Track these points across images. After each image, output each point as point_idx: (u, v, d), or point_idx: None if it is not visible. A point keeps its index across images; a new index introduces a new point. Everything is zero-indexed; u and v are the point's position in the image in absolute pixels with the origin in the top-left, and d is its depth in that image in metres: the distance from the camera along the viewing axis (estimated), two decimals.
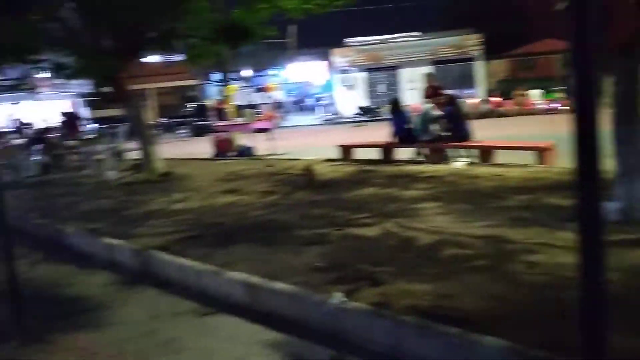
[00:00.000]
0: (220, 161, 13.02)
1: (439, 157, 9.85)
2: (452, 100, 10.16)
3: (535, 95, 25.38)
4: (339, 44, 32.18)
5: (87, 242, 5.83)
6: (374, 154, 10.60)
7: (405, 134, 10.25)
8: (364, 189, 7.53)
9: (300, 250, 4.82)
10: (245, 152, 14.18)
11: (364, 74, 31.75)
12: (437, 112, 9.95)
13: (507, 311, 3.25)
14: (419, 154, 10.47)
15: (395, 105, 10.59)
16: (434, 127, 9.87)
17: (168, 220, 6.66)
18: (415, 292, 3.62)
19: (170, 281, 4.62)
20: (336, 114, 31.41)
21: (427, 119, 9.88)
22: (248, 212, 6.74)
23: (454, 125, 9.80)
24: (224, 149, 14.67)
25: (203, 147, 16.21)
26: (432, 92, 11.14)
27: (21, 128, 18.89)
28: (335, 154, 11.19)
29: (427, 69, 26.16)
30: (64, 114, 16.18)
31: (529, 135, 13.56)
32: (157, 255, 4.83)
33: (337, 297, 3.45)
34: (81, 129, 16.32)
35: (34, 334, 3.81)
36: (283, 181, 8.90)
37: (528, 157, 8.77)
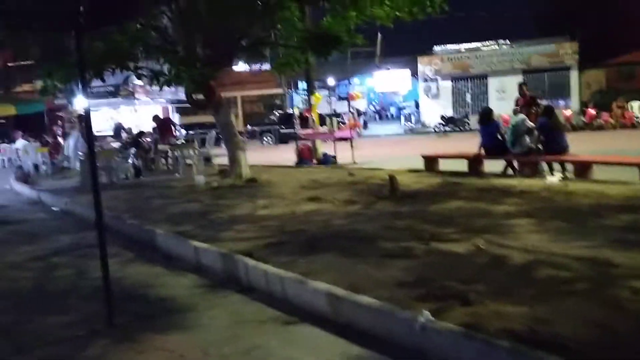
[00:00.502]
0: (302, 169, 13.13)
1: (532, 171, 9.37)
2: (547, 111, 9.64)
3: (635, 108, 23.68)
4: (425, 52, 31.68)
5: (176, 244, 6.00)
6: (460, 165, 10.25)
7: (494, 145, 9.83)
8: (450, 202, 7.28)
9: (383, 262, 4.70)
10: (327, 161, 14.22)
11: (450, 83, 31.04)
12: (531, 124, 9.47)
13: (611, 340, 2.98)
14: (509, 167, 10.00)
15: (486, 115, 10.18)
16: (527, 139, 9.39)
17: (253, 225, 6.74)
18: (508, 314, 3.39)
19: (254, 287, 4.64)
20: (419, 123, 30.91)
21: (519, 130, 9.42)
22: (330, 220, 6.69)
23: (549, 137, 9.29)
24: (306, 156, 14.80)
25: (286, 154, 16.44)
26: (525, 102, 10.64)
27: (119, 132, 19.99)
28: (418, 164, 10.95)
29: (518, 78, 25.17)
30: (157, 119, 16.96)
31: (629, 150, 12.64)
32: (241, 260, 4.87)
33: (424, 315, 3.29)
34: (174, 134, 17.04)
35: (124, 332, 3.94)
36: (365, 191, 8.81)
37: (630, 174, 8.15)
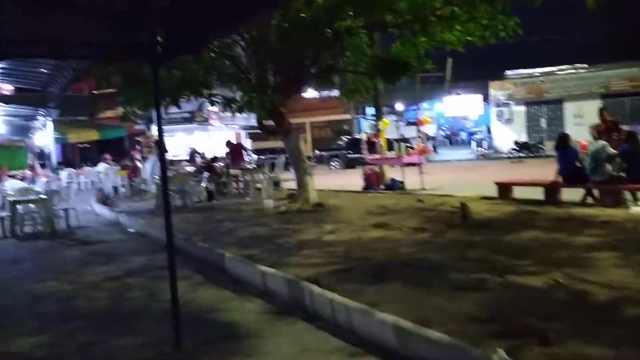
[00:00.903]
0: (369, 194, 13.02)
1: (614, 200, 8.81)
2: (630, 137, 9.07)
3: None
4: (497, 76, 30.93)
5: (243, 268, 6.04)
6: (536, 193, 9.79)
7: (573, 173, 9.34)
8: (526, 232, 6.95)
9: (454, 295, 4.51)
10: (396, 186, 14.04)
11: (523, 108, 30.08)
12: (612, 150, 8.94)
13: None
14: (589, 195, 9.46)
15: (563, 141, 9.70)
16: (608, 167, 8.86)
17: (319, 251, 6.71)
18: (592, 356, 3.14)
19: (320, 315, 4.56)
20: (491, 149, 30.07)
21: (600, 157, 8.91)
22: (398, 248, 6.55)
23: (632, 164, 8.71)
24: (374, 182, 14.69)
25: (353, 179, 16.40)
26: (606, 128, 10.06)
27: (193, 156, 20.71)
28: (491, 191, 10.56)
29: (595, 103, 24.03)
30: (230, 144, 17.45)
31: None
32: (307, 287, 4.82)
33: (499, 354, 3.09)
34: (245, 158, 17.44)
35: (191, 356, 3.97)
36: (435, 218, 8.59)
37: None
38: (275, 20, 9.40)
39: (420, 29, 9.31)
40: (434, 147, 32.36)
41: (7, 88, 23.41)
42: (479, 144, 30.61)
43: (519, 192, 10.28)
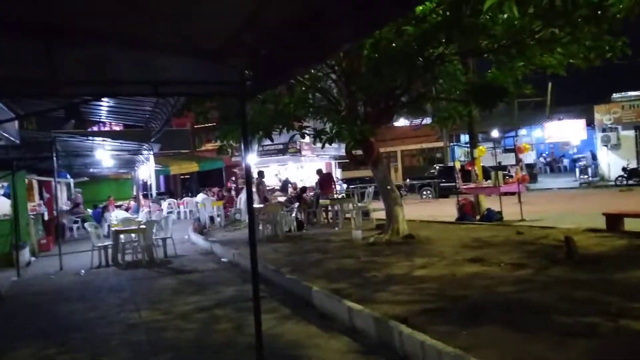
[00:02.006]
0: (464, 225, 12.46)
1: None
2: None
3: None
4: (603, 99, 29.00)
5: (330, 303, 5.89)
6: None
7: None
8: None
9: (561, 341, 4.07)
10: (492, 217, 13.35)
11: (632, 132, 27.90)
12: None
13: None
14: None
15: None
16: None
17: (409, 287, 6.42)
18: None
19: (409, 357, 4.29)
20: (597, 176, 28.06)
21: None
22: (496, 286, 6.11)
23: None
24: (468, 212, 14.07)
25: (446, 209, 15.84)
26: None
27: (286, 186, 21.04)
28: (599, 223, 9.71)
29: None
30: (320, 173, 17.57)
31: None
32: (396, 326, 4.57)
33: None
34: (334, 189, 17.45)
35: None
36: (536, 252, 8.00)
37: None
38: (365, 51, 9.38)
39: (517, 53, 8.89)
40: (534, 175, 30.71)
41: (116, 125, 25.32)
42: (583, 171, 28.68)
43: (630, 224, 9.38)
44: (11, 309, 7.36)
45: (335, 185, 17.48)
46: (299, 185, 20.59)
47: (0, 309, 7.65)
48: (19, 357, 5.22)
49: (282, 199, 17.76)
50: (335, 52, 7.21)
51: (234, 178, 25.02)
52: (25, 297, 8.34)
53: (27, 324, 6.61)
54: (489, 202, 14.47)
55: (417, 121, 30.28)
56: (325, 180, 17.04)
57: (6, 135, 8.09)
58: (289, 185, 21.37)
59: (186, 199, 24.82)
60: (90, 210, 19.14)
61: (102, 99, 10.81)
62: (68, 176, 21.31)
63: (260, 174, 17.13)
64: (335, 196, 16.70)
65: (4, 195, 12.86)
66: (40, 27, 3.81)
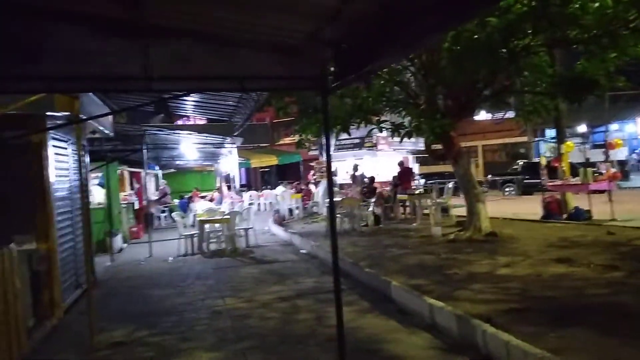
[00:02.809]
0: (549, 224, 11.93)
1: None
2: None
3: None
4: None
5: (410, 299, 5.86)
6: None
7: None
8: None
9: None
10: (580, 216, 12.68)
11: None
12: None
13: None
14: None
15: None
16: None
17: (492, 285, 6.26)
18: None
19: (492, 357, 4.20)
20: None
21: None
22: (584, 288, 5.83)
23: None
24: (554, 210, 13.43)
25: (531, 207, 15.23)
26: None
27: (362, 181, 20.99)
28: None
29: None
30: (402, 165, 17.41)
31: None
32: (479, 325, 4.48)
33: None
34: (413, 183, 17.24)
35: None
36: (629, 254, 7.55)
37: None
38: (446, 44, 9.18)
39: (609, 43, 8.39)
40: (627, 172, 28.85)
41: (200, 119, 26.30)
42: None
43: None
44: (106, 293, 7.87)
45: (414, 179, 17.23)
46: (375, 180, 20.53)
47: (96, 291, 8.21)
48: (115, 337, 5.58)
49: (358, 193, 17.80)
50: (418, 47, 7.12)
51: (312, 172, 25.32)
52: (118, 282, 8.90)
53: (120, 307, 7.06)
54: (576, 201, 13.76)
55: (499, 115, 29.27)
56: (405, 173, 16.84)
57: (101, 128, 8.62)
58: (365, 179, 21.33)
59: (266, 191, 25.43)
60: (177, 201, 20.08)
61: (189, 95, 11.31)
62: (156, 168, 22.44)
63: (355, 167, 17.19)
64: (413, 191, 16.49)
65: (99, 185, 13.75)
66: (135, 27, 4.05)
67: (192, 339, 5.36)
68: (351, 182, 17.21)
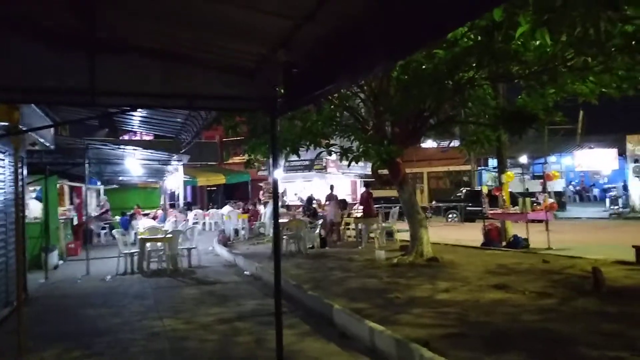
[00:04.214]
0: (489, 251, 12.30)
1: None
2: None
3: None
4: (635, 129, 28.47)
5: (351, 322, 5.88)
6: None
7: None
8: None
9: None
10: (518, 244, 13.15)
11: None
12: None
13: None
14: None
15: None
16: None
17: (431, 310, 6.38)
18: None
19: None
20: (627, 207, 27.42)
21: None
22: (520, 314, 6.03)
23: None
24: (494, 237, 13.88)
25: (472, 233, 15.67)
26: None
27: (308, 204, 21.01)
28: (628, 255, 9.50)
29: None
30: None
31: None
32: (417, 349, 4.54)
33: None
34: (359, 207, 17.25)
35: None
36: (563, 282, 7.86)
37: None
38: (395, 72, 9.43)
39: (548, 79, 8.83)
40: (563, 203, 30.19)
41: (147, 135, 25.80)
42: (614, 202, 28.09)
43: None
44: (38, 311, 7.52)
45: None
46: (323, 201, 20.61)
47: (27, 309, 7.82)
48: (45, 358, 5.32)
49: (304, 215, 17.81)
50: (367, 74, 7.28)
51: (262, 192, 25.17)
52: (52, 300, 8.52)
53: (52, 326, 6.75)
54: (515, 229, 14.27)
55: (444, 143, 30.17)
56: (366, 199, 16.47)
57: (42, 140, 8.33)
58: (314, 201, 21.36)
59: (212, 210, 25.05)
60: (118, 217, 19.48)
61: (136, 110, 11.08)
62: (98, 183, 21.75)
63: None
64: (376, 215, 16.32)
65: (36, 198, 13.19)
66: (83, 40, 3.98)
67: None
68: (327, 201, 16.85)
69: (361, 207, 15.62)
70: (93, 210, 19.66)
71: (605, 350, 4.56)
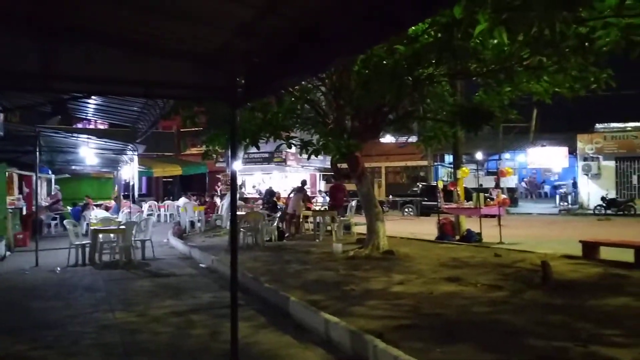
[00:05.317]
0: (443, 244, 12.56)
1: None
2: None
3: None
4: (586, 128, 29.57)
5: (307, 314, 5.91)
6: (625, 255, 9.04)
7: None
8: (614, 298, 6.38)
9: None
10: (471, 238, 13.48)
11: (613, 163, 28.44)
12: None
13: None
14: None
15: None
16: None
17: (386, 302, 6.47)
18: None
19: None
20: (576, 204, 28.49)
21: None
22: (471, 306, 6.18)
23: None
24: (448, 231, 14.19)
25: (427, 227, 15.97)
26: None
27: (269, 196, 20.89)
28: (575, 249, 9.88)
29: None
30: (333, 186, 16.75)
31: None
32: (371, 341, 4.60)
33: None
34: (315, 200, 17.31)
35: None
36: (512, 275, 8.10)
37: None
38: (356, 67, 9.47)
39: (505, 78, 9.04)
40: (515, 199, 31.11)
41: (102, 123, 25.11)
42: (563, 199, 29.14)
43: (606, 253, 9.56)
44: None
45: (321, 197, 17.35)
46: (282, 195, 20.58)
47: None
48: None
49: (263, 208, 17.75)
50: (329, 66, 7.28)
51: (220, 184, 24.90)
52: None
53: None
54: (469, 223, 14.62)
55: (402, 139, 30.54)
56: (337, 190, 15.99)
57: None
58: (273, 194, 21.29)
59: (167, 202, 24.64)
60: (69, 208, 18.93)
61: (91, 97, 10.79)
62: (49, 172, 21.07)
63: (304, 182, 16.76)
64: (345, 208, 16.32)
65: None
66: (36, 23, 3.82)
67: (76, 354, 5.05)
68: (291, 193, 16.47)
69: (326, 200, 15.63)
70: (43, 200, 19.03)
71: (551, 341, 4.73)
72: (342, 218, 14.85)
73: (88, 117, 19.01)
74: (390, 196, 29.72)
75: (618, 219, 21.99)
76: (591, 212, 25.36)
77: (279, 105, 11.00)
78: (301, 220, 15.65)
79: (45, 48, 3.84)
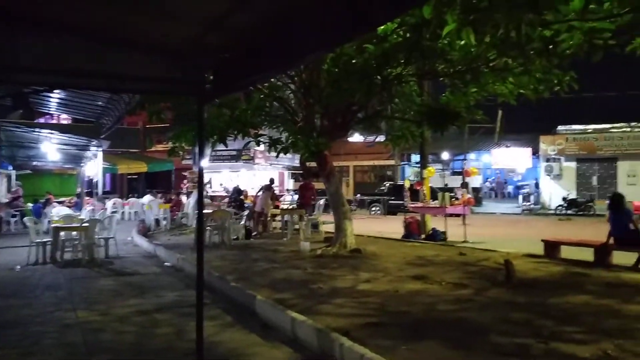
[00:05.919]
0: (409, 243, 12.69)
1: None
2: None
3: None
4: (549, 130, 30.31)
5: (273, 313, 5.88)
6: (585, 254, 9.30)
7: (626, 235, 8.84)
8: (574, 296, 6.55)
9: None
10: (437, 237, 13.66)
11: (574, 164, 29.24)
12: None
13: None
14: None
15: (617, 202, 9.22)
16: None
17: (353, 300, 6.49)
18: None
19: None
20: (538, 204, 29.18)
21: None
22: (436, 304, 6.26)
23: None
24: (414, 230, 14.34)
25: (394, 226, 16.10)
26: None
27: (237, 194, 20.73)
28: (537, 248, 10.13)
29: None
30: (303, 185, 16.69)
31: None
32: (338, 339, 4.61)
33: None
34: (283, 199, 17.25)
35: None
36: (477, 274, 8.24)
37: None
38: (326, 65, 9.47)
39: (471, 79, 9.18)
40: (480, 198, 31.68)
41: (65, 118, 24.49)
42: (526, 199, 29.80)
43: (567, 252, 9.83)
44: None
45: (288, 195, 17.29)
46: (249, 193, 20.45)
47: None
48: None
49: (230, 206, 17.60)
50: (298, 63, 7.27)
51: (186, 181, 24.53)
52: None
53: None
54: (434, 222, 14.81)
55: (371, 138, 30.73)
56: (306, 189, 16.06)
57: None
58: (240, 193, 21.13)
59: (132, 199, 24.19)
60: (30, 205, 18.39)
61: (54, 91, 10.50)
62: (10, 167, 20.44)
63: (272, 180, 16.54)
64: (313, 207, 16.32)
65: None
66: None
67: (37, 354, 4.91)
68: (260, 191, 16.27)
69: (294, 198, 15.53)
70: (3, 196, 18.45)
71: (514, 338, 4.83)
72: (310, 217, 14.85)
73: (51, 112, 18.48)
74: (358, 195, 29.87)
75: (578, 218, 22.61)
76: (553, 212, 25.99)
77: (247, 102, 10.92)
78: (269, 218, 15.61)
79: (3, 38, 3.70)
